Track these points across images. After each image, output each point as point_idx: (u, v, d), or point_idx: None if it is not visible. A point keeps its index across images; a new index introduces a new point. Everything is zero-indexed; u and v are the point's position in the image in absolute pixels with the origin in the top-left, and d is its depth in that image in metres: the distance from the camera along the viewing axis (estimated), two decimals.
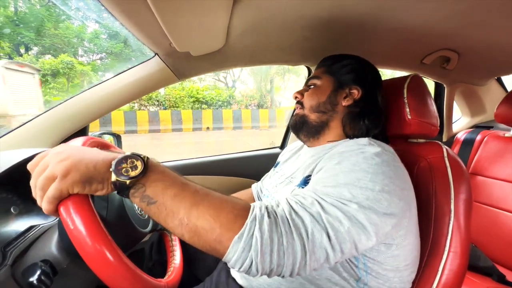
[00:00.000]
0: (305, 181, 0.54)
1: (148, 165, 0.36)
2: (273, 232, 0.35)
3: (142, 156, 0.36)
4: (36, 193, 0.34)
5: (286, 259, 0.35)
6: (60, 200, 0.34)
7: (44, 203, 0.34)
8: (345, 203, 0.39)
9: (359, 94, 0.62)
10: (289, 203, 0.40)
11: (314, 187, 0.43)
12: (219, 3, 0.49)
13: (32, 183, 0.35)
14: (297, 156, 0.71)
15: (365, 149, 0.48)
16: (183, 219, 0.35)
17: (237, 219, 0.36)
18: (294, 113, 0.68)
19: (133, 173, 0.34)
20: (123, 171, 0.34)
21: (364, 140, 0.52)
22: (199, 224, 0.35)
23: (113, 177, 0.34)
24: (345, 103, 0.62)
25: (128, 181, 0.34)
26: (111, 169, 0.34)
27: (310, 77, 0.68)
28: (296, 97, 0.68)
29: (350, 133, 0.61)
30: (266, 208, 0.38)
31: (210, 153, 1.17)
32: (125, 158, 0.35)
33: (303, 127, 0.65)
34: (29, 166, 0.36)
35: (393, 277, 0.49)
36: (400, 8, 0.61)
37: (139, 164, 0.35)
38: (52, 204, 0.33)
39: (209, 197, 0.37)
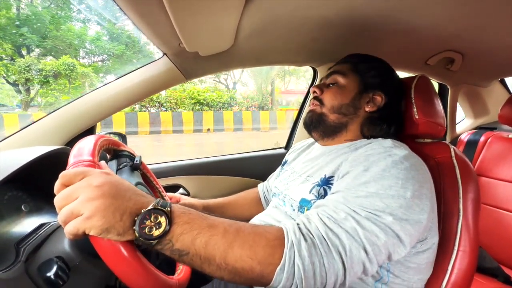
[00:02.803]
0: (327, 181, 0.53)
1: (172, 219, 0.34)
2: (313, 255, 0.35)
3: (165, 209, 0.34)
4: (58, 211, 0.33)
5: (328, 279, 0.36)
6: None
7: (64, 229, 0.33)
8: (380, 215, 0.39)
9: (382, 102, 0.60)
10: (322, 220, 0.39)
11: (344, 197, 0.42)
12: (232, 4, 0.49)
13: (56, 201, 0.34)
14: (307, 153, 0.71)
15: (392, 151, 0.47)
16: (221, 263, 0.34)
17: (275, 251, 0.35)
18: (310, 109, 0.65)
19: (157, 232, 0.33)
20: (146, 230, 0.33)
21: (389, 142, 0.51)
22: (238, 266, 0.34)
23: (136, 234, 0.33)
24: (368, 108, 0.60)
25: (152, 242, 0.33)
26: (134, 227, 0.33)
27: (332, 72, 0.64)
28: (314, 92, 0.64)
29: (367, 134, 0.60)
30: (300, 229, 0.38)
31: (211, 155, 1.18)
32: (148, 213, 0.33)
33: (319, 126, 0.62)
34: (62, 175, 0.35)
35: (413, 276, 0.49)
36: (405, 10, 0.62)
37: (163, 220, 0.33)
38: (68, 234, 0.33)
39: (241, 234, 0.36)
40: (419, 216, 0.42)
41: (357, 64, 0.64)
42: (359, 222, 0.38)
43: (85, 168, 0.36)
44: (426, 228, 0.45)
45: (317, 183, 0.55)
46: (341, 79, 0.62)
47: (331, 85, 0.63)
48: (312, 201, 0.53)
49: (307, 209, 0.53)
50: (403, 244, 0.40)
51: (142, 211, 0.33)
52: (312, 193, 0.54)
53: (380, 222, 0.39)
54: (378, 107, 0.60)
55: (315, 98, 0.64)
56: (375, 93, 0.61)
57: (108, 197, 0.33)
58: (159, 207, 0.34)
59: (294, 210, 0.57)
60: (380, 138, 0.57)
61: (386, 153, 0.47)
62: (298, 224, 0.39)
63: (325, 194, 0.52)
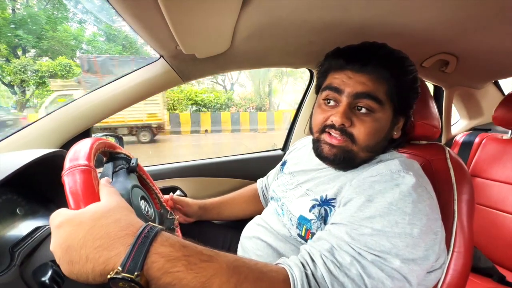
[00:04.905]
0: (328, 202, 0.51)
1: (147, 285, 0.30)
2: None
3: (135, 278, 0.29)
4: None
5: None
6: None
7: None
8: (386, 258, 0.38)
9: (402, 123, 0.55)
10: (327, 267, 0.38)
11: (349, 234, 0.40)
12: (228, 7, 0.50)
13: None
14: (309, 158, 0.65)
15: (399, 180, 0.44)
16: None
17: None
18: (329, 143, 0.51)
19: None
20: None
21: (396, 164, 0.47)
22: None
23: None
24: (395, 136, 0.54)
25: None
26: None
27: (365, 94, 0.48)
28: (341, 125, 0.49)
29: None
30: (306, 276, 0.37)
31: (209, 156, 1.18)
32: (115, 284, 0.30)
33: (344, 163, 0.52)
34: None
35: None
36: (401, 13, 0.62)
37: None
38: None
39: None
40: (426, 253, 0.40)
41: (396, 84, 0.49)
42: (365, 268, 0.37)
43: (58, 211, 0.35)
44: (434, 260, 0.43)
45: (318, 202, 0.52)
46: (376, 107, 0.49)
47: (359, 108, 0.50)
48: (312, 221, 0.52)
49: (306, 228, 0.52)
50: (410, 284, 0.38)
51: (108, 277, 0.29)
52: (313, 213, 0.52)
53: (387, 266, 0.37)
54: (401, 129, 0.55)
55: (341, 130, 0.50)
56: (400, 118, 0.54)
57: (62, 249, 0.32)
58: (127, 275, 0.29)
59: (292, 225, 0.56)
60: (388, 155, 0.54)
61: (393, 182, 0.44)
62: (305, 270, 0.38)
63: (326, 214, 0.50)
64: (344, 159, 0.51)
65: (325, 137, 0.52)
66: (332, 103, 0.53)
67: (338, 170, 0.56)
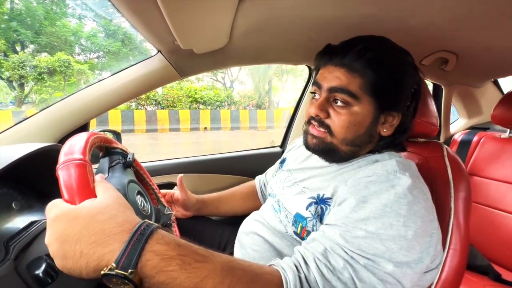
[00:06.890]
0: (324, 201, 0.51)
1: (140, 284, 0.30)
2: None
3: (129, 275, 0.29)
4: None
5: None
6: None
7: None
8: (379, 262, 0.37)
9: (398, 121, 0.52)
10: (320, 271, 0.38)
11: (342, 237, 0.40)
12: (225, 2, 0.49)
13: None
14: (307, 156, 0.66)
15: (395, 181, 0.44)
16: None
17: None
18: (311, 133, 0.54)
19: None
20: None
21: (393, 164, 0.47)
22: None
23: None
24: (384, 133, 0.52)
25: None
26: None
27: (340, 89, 0.49)
28: (317, 116, 0.51)
29: (372, 148, 0.55)
30: (300, 279, 0.37)
31: (208, 153, 1.18)
32: (108, 280, 0.30)
33: (327, 155, 0.54)
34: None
35: None
36: (401, 10, 0.62)
37: None
38: None
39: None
40: (421, 255, 0.40)
41: (373, 81, 0.48)
42: (357, 272, 0.37)
43: (54, 202, 0.35)
44: (430, 262, 0.43)
45: (315, 200, 0.53)
46: (352, 101, 0.49)
47: (337, 101, 0.50)
48: (308, 219, 0.52)
49: (302, 226, 0.52)
50: (403, 287, 0.38)
51: (102, 273, 0.29)
52: (309, 211, 0.52)
53: (379, 270, 0.37)
54: (395, 127, 0.53)
55: (319, 122, 0.52)
56: (390, 114, 0.51)
57: (56, 243, 0.31)
58: (120, 272, 0.29)
59: (288, 222, 0.56)
60: (386, 155, 0.54)
61: (389, 182, 0.44)
62: (299, 274, 0.38)
63: (322, 213, 0.51)
64: (324, 150, 0.53)
65: (309, 128, 0.55)
66: (317, 96, 0.55)
67: (326, 162, 0.57)
